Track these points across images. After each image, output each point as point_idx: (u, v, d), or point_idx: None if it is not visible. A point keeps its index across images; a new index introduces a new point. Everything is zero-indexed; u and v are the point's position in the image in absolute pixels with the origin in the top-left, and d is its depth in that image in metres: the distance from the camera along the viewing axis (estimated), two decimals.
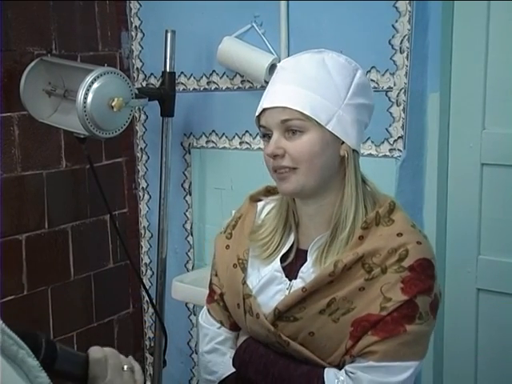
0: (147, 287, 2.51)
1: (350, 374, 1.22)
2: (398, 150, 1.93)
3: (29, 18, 2.19)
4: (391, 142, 1.94)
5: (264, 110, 1.27)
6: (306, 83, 1.24)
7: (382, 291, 1.21)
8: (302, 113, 1.22)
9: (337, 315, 1.22)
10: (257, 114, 1.29)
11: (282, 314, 1.27)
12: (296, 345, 1.26)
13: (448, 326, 2.04)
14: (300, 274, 1.30)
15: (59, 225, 2.35)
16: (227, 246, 1.42)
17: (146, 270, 2.68)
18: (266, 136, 1.28)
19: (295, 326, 1.26)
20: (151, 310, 2.65)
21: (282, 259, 1.33)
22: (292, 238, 1.34)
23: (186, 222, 2.50)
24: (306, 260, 1.30)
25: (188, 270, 2.50)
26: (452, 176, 1.98)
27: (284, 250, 1.34)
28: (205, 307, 1.47)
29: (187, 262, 2.52)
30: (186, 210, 2.49)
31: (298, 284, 1.28)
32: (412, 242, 1.24)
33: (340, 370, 1.24)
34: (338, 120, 1.24)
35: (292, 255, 1.33)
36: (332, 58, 1.28)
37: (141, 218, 2.65)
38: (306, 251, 1.31)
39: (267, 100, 1.27)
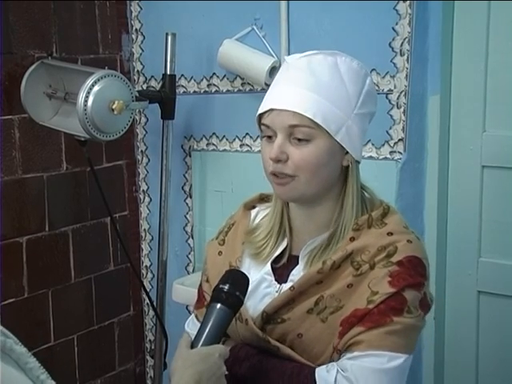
0: (148, 290, 2.51)
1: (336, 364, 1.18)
2: (399, 152, 1.93)
3: (30, 20, 2.19)
4: (391, 145, 1.94)
5: (271, 109, 1.20)
6: (319, 88, 1.18)
7: (369, 286, 1.18)
8: (312, 120, 1.17)
9: (325, 314, 1.19)
10: (261, 111, 1.23)
11: (269, 317, 1.24)
12: (286, 348, 1.22)
13: (449, 328, 2.03)
14: (290, 277, 1.27)
15: (60, 227, 2.35)
16: (219, 253, 1.39)
17: (147, 273, 2.68)
18: (266, 136, 1.23)
19: (283, 328, 1.22)
20: (152, 313, 2.64)
21: (274, 262, 1.30)
22: (285, 243, 1.31)
23: (186, 224, 2.50)
24: (297, 264, 1.28)
25: (188, 273, 2.50)
26: (452, 178, 1.98)
27: (276, 254, 1.30)
28: (192, 315, 1.44)
29: (188, 264, 2.52)
30: (187, 213, 2.49)
31: (287, 287, 1.25)
32: (402, 240, 1.21)
33: None
34: (346, 130, 1.19)
35: (284, 260, 1.30)
36: (345, 62, 1.22)
37: (141, 220, 2.65)
38: (298, 257, 1.28)
39: (276, 100, 1.20)
